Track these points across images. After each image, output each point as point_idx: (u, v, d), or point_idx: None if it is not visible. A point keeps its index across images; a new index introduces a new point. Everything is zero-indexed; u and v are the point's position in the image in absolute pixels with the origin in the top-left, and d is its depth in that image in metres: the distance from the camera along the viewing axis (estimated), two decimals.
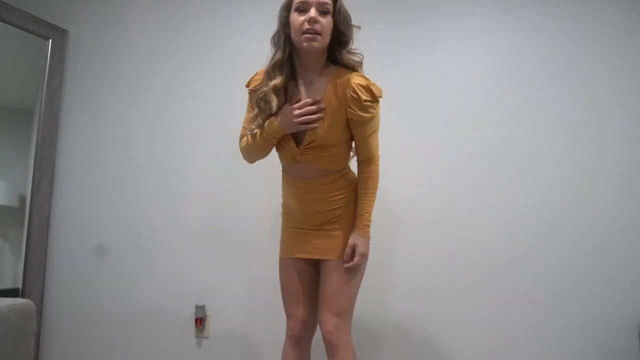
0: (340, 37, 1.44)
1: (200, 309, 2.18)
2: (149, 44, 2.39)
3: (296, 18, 1.39)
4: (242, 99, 2.25)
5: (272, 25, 2.27)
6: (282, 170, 1.67)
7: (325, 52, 1.46)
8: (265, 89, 1.44)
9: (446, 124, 2.15)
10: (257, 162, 2.15)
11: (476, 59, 2.17)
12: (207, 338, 2.20)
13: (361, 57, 1.48)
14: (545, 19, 2.14)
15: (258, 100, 1.47)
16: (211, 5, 2.36)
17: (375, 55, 2.14)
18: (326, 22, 1.38)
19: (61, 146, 2.37)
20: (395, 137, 2.12)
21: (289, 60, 1.47)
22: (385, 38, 2.23)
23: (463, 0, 2.21)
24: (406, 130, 2.16)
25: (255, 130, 1.51)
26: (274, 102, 1.44)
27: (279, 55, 1.45)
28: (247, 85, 1.59)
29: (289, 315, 1.62)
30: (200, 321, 2.17)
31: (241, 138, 1.61)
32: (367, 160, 1.54)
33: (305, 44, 1.38)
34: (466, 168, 2.12)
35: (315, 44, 1.38)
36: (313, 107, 1.42)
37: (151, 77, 2.37)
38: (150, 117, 2.35)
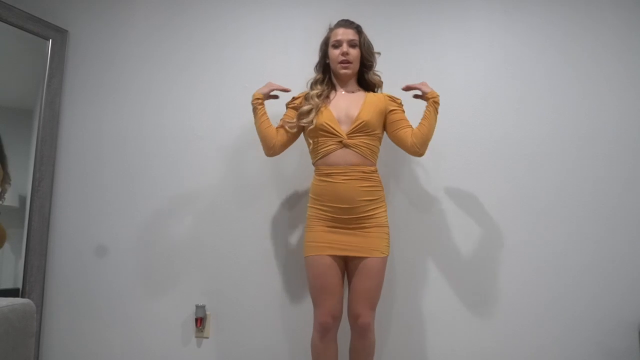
0: (365, 62, 1.91)
1: (200, 309, 2.18)
2: (149, 44, 2.39)
3: (333, 52, 1.87)
4: (244, 98, 2.27)
5: (271, 28, 2.30)
6: (319, 163, 1.83)
7: (357, 72, 1.92)
8: (311, 92, 1.89)
9: (446, 124, 2.15)
10: (258, 165, 2.18)
11: (476, 60, 2.18)
12: (207, 338, 2.20)
13: (380, 77, 1.95)
14: (545, 20, 2.15)
15: (307, 96, 1.88)
16: (212, 5, 2.37)
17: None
18: (355, 52, 1.86)
19: (61, 146, 2.37)
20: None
21: (328, 80, 1.93)
22: (385, 39, 2.23)
23: (463, 2, 2.21)
24: None
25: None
26: (315, 101, 1.85)
27: (318, 76, 1.94)
28: (288, 103, 1.97)
29: (321, 308, 1.79)
30: (200, 321, 2.17)
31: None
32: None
33: (342, 71, 1.87)
34: (465, 168, 2.12)
35: (349, 71, 1.87)
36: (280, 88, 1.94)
37: (152, 77, 2.37)
38: (151, 117, 2.35)
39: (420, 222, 2.13)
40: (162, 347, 2.22)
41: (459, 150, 2.14)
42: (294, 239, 2.16)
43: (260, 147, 1.93)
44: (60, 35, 2.39)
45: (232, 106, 2.30)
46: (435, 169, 2.14)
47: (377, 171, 1.84)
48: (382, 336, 2.09)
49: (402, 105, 1.91)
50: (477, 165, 2.12)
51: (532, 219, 2.06)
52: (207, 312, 2.20)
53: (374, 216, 1.78)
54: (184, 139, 2.31)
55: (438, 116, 1.84)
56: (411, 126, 1.87)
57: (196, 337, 2.20)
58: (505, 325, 2.03)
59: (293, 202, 2.19)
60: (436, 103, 1.84)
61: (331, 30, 1.90)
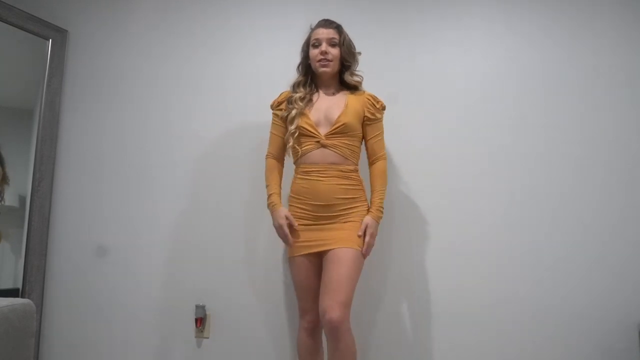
0: (344, 62, 1.88)
1: (200, 309, 2.18)
2: (149, 44, 2.39)
3: (313, 51, 1.86)
4: (245, 97, 2.28)
5: (271, 24, 2.30)
6: (299, 162, 1.84)
7: (337, 73, 1.90)
8: (295, 95, 1.87)
9: (446, 124, 2.16)
10: (258, 165, 2.19)
11: (476, 59, 2.18)
12: (207, 338, 2.20)
13: (361, 78, 1.91)
14: (545, 19, 2.15)
15: (290, 100, 1.87)
16: (212, 4, 2.37)
17: (375, 55, 2.16)
18: (335, 51, 1.85)
19: (61, 146, 2.37)
20: (395, 136, 2.12)
21: (310, 82, 1.92)
22: (385, 38, 2.23)
23: (463, 1, 2.21)
24: (406, 129, 2.16)
25: (270, 192, 1.87)
26: (298, 104, 1.84)
27: (300, 79, 1.92)
28: (272, 106, 1.93)
29: (306, 310, 1.81)
30: (200, 321, 2.17)
31: (267, 158, 1.93)
32: (381, 156, 1.89)
33: (320, 69, 1.86)
34: (465, 168, 2.12)
35: (327, 69, 1.85)
36: (287, 236, 1.79)
37: (151, 77, 2.37)
38: (151, 116, 2.35)
39: (418, 223, 2.13)
40: (162, 347, 2.22)
41: (458, 150, 2.13)
42: None
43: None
44: (60, 35, 2.39)
45: (233, 105, 2.30)
46: (434, 169, 2.14)
47: (357, 171, 1.85)
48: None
49: (383, 109, 1.89)
50: (477, 166, 2.12)
51: (532, 219, 2.06)
52: (207, 312, 2.20)
53: (352, 212, 1.78)
54: (184, 138, 2.31)
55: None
56: (382, 152, 1.88)
57: (196, 337, 2.20)
58: (504, 325, 2.03)
59: None
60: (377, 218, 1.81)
61: (312, 30, 1.89)
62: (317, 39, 1.85)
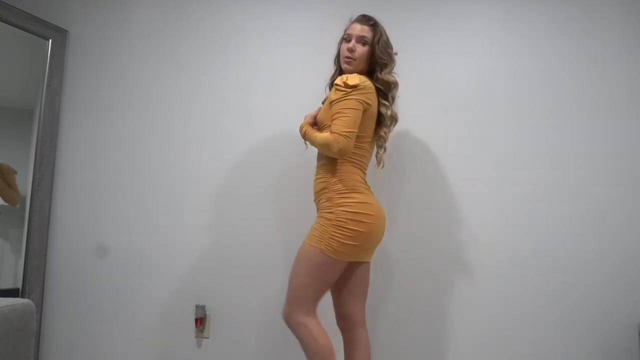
0: (378, 60, 1.79)
1: (200, 309, 2.18)
2: (149, 44, 2.39)
3: (343, 45, 1.83)
4: (246, 97, 2.28)
5: (272, 23, 2.30)
6: None
7: (366, 73, 1.80)
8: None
9: (445, 124, 2.15)
10: (257, 165, 2.18)
11: (476, 60, 2.17)
12: (207, 338, 2.20)
13: (395, 79, 1.81)
14: (546, 20, 2.15)
15: (324, 100, 1.87)
16: (212, 4, 2.37)
17: None
18: (362, 50, 1.78)
19: (61, 146, 2.37)
20: (395, 138, 2.12)
21: None
22: None
23: (463, 1, 2.21)
24: (406, 131, 2.16)
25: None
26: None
27: (335, 76, 1.88)
28: None
29: None
30: (200, 321, 2.17)
31: None
32: (332, 131, 1.68)
33: (344, 65, 1.82)
34: (464, 168, 2.12)
35: (349, 67, 1.80)
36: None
37: (152, 77, 2.37)
38: (151, 116, 2.35)
39: (418, 222, 2.13)
40: (162, 347, 2.22)
41: (457, 150, 2.13)
42: (293, 239, 2.16)
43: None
44: (60, 35, 2.39)
45: (234, 105, 2.30)
46: (434, 169, 2.14)
47: (332, 164, 1.72)
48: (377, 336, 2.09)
49: (347, 87, 1.66)
50: (476, 165, 2.12)
51: (533, 219, 2.06)
52: (207, 312, 2.20)
53: (322, 208, 1.74)
54: (184, 137, 2.31)
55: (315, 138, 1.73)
56: (334, 129, 1.65)
57: (196, 337, 2.20)
58: (504, 325, 2.03)
59: (293, 203, 2.19)
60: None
61: (349, 24, 1.85)
62: (349, 34, 1.81)
